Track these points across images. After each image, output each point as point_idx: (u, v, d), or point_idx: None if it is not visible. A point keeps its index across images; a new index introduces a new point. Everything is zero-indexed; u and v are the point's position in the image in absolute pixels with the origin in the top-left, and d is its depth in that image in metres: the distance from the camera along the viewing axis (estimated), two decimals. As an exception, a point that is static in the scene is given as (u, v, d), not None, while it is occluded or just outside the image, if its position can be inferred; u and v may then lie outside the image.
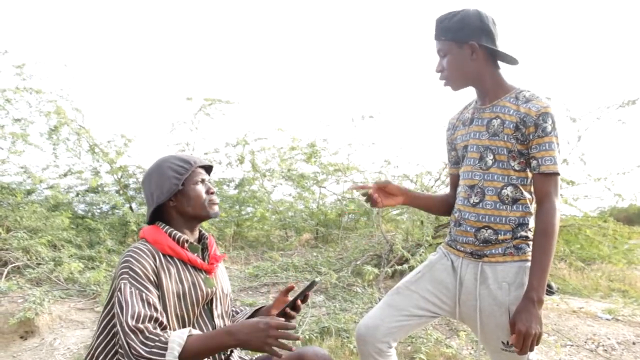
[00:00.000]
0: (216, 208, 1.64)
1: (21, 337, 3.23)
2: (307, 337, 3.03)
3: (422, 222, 4.71)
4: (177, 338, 1.32)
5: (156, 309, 1.40)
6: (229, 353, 1.64)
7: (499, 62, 1.73)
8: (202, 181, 1.63)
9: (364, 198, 1.86)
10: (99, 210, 6.41)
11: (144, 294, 1.40)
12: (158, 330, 1.36)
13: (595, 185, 4.68)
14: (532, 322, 1.49)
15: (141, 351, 1.32)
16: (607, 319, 4.02)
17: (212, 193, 1.64)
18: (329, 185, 6.90)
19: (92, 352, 1.52)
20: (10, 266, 4.12)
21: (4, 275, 3.96)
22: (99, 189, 6.19)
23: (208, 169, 1.72)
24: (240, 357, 1.70)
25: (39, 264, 4.29)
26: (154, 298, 1.42)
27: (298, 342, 2.75)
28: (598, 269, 6.02)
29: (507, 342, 1.65)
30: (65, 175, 6.19)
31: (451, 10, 1.71)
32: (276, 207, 7.11)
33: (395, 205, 1.91)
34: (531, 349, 1.51)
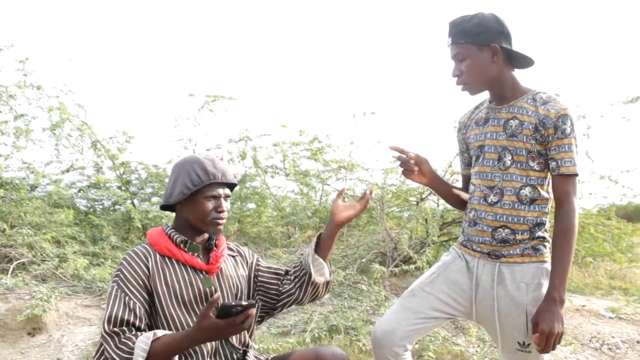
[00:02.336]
0: (220, 228, 1.61)
1: (29, 334, 3.23)
2: (317, 335, 3.05)
3: (426, 221, 4.71)
4: (142, 344, 1.36)
5: (135, 315, 1.45)
6: (241, 352, 1.65)
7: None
8: (215, 197, 1.60)
9: (398, 163, 1.81)
10: (100, 206, 6.41)
11: (127, 298, 1.45)
12: (132, 334, 1.41)
13: (600, 182, 4.70)
14: (555, 321, 1.50)
15: (114, 356, 1.38)
16: (611, 317, 4.05)
17: (220, 211, 1.60)
18: (332, 182, 6.90)
19: (99, 348, 1.54)
20: (15, 262, 4.12)
21: (9, 272, 3.96)
22: (101, 184, 6.18)
23: (231, 184, 1.69)
24: (255, 357, 1.70)
25: (44, 260, 4.28)
26: (136, 303, 1.46)
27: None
28: (599, 267, 6.05)
29: (524, 343, 1.66)
30: (67, 171, 6.18)
31: (464, 14, 1.69)
32: (278, 204, 7.11)
33: (419, 183, 1.89)
34: (553, 349, 1.52)
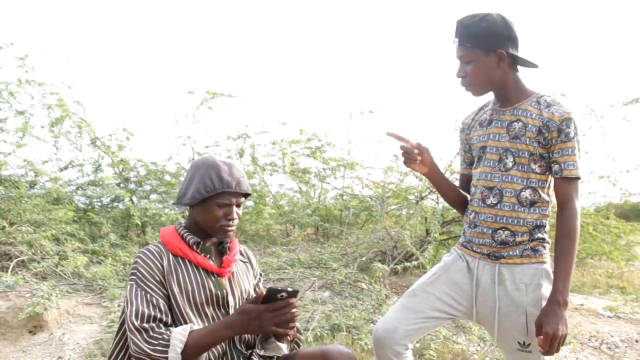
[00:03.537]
0: (228, 234, 1.61)
1: (30, 332, 3.23)
2: (319, 334, 3.06)
3: (426, 219, 4.73)
4: (179, 335, 1.38)
5: (160, 310, 1.45)
6: (248, 354, 1.65)
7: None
8: (227, 205, 1.58)
9: (401, 152, 1.79)
10: (99, 204, 6.40)
11: (148, 295, 1.45)
12: (162, 329, 1.41)
13: (598, 182, 4.71)
14: (559, 324, 1.52)
15: (145, 349, 1.37)
16: (609, 317, 4.07)
17: (229, 219, 1.59)
18: (330, 180, 6.91)
19: (112, 349, 1.57)
20: (15, 260, 4.11)
21: (9, 269, 3.95)
22: (100, 182, 6.18)
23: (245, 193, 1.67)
24: (260, 357, 1.71)
25: (44, 258, 4.28)
26: (159, 299, 1.46)
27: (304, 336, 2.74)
28: (597, 266, 6.08)
29: (523, 343, 1.67)
30: (65, 168, 6.17)
31: (473, 13, 1.67)
32: (276, 202, 7.12)
33: (419, 172, 1.86)
34: (557, 351, 1.54)
